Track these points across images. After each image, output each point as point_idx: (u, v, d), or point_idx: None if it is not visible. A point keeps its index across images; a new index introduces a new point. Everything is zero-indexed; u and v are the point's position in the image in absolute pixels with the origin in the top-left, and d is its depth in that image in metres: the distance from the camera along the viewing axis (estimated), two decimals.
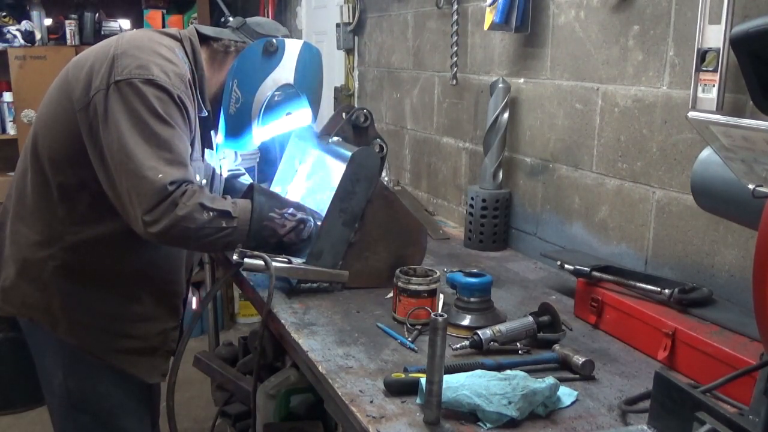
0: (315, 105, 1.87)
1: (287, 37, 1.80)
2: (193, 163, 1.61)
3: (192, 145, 1.61)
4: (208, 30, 1.74)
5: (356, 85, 3.63)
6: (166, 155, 1.48)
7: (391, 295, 1.70)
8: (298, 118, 1.86)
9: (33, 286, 1.64)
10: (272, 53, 1.73)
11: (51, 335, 1.66)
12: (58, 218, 1.60)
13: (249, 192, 1.70)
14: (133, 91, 1.48)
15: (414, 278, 1.62)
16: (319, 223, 1.72)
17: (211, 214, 1.52)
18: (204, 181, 1.75)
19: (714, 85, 1.54)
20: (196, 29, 1.72)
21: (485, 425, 1.17)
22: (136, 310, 1.69)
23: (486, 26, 2.25)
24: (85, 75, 1.54)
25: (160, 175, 1.45)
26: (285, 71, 1.74)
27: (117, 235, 1.60)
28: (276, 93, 1.75)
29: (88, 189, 1.58)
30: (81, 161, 1.55)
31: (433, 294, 1.64)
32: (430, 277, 1.64)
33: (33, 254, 1.63)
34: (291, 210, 1.68)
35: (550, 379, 1.23)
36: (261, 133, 1.79)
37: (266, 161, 2.70)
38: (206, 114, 1.69)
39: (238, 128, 1.74)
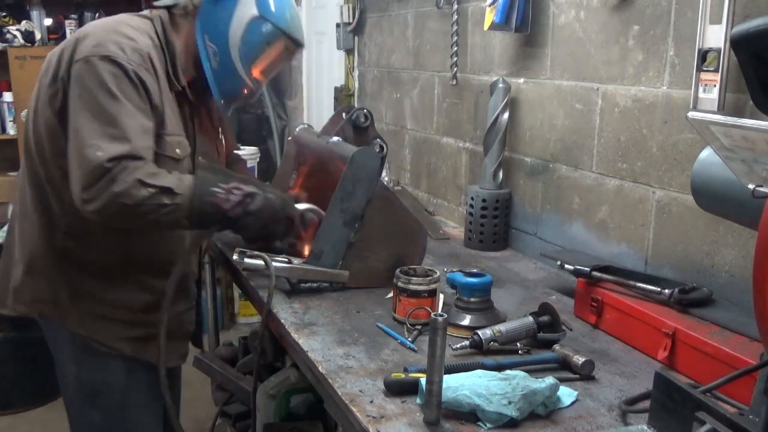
0: (293, 27, 1.77)
1: None
2: (168, 137, 1.59)
3: (162, 119, 1.58)
4: (166, 1, 1.71)
5: (356, 85, 3.63)
6: (111, 131, 1.45)
7: (391, 295, 1.70)
8: (279, 46, 1.77)
9: (40, 281, 1.64)
10: None
11: (62, 329, 1.66)
12: (54, 211, 1.60)
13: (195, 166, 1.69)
14: (88, 68, 1.48)
15: (414, 278, 1.62)
16: (271, 196, 1.63)
17: (150, 190, 1.46)
18: (185, 157, 1.68)
19: (715, 85, 1.54)
20: (164, 7, 1.71)
21: (485, 425, 1.17)
22: (146, 298, 1.67)
23: (486, 26, 2.25)
24: (54, 63, 1.55)
25: (99, 153, 1.43)
26: (247, 6, 1.68)
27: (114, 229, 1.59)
28: (247, 30, 1.69)
29: None
30: (62, 152, 1.54)
31: (433, 294, 1.64)
32: (430, 277, 1.64)
33: (37, 249, 1.63)
34: (237, 184, 1.59)
35: (550, 379, 1.23)
36: (252, 76, 1.74)
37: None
38: (180, 89, 1.66)
39: (228, 80, 1.71)
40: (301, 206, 1.80)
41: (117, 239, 1.62)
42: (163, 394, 1.62)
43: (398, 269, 1.66)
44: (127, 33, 1.55)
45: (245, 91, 1.77)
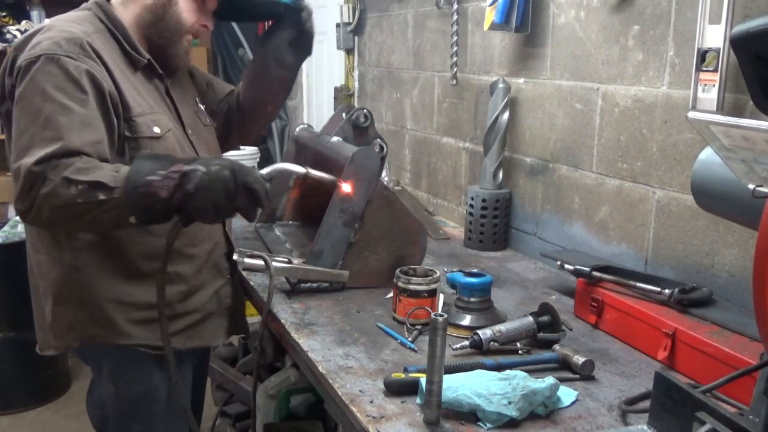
0: None
1: None
2: (139, 118, 1.52)
3: (124, 102, 1.50)
4: None
5: (356, 85, 3.63)
6: (44, 134, 1.36)
7: (391, 295, 1.70)
8: None
9: (72, 307, 1.55)
10: None
11: (103, 348, 1.58)
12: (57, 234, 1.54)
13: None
14: (25, 77, 1.40)
15: (414, 278, 1.62)
16: (215, 168, 1.37)
17: (79, 187, 1.31)
18: (167, 130, 1.60)
19: (714, 85, 1.54)
20: None
21: (485, 425, 1.17)
22: (179, 288, 1.61)
23: (486, 26, 2.25)
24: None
25: (25, 159, 1.33)
26: None
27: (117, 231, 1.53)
28: None
29: None
30: None
31: (433, 294, 1.64)
32: (430, 277, 1.64)
33: (57, 276, 1.55)
34: (180, 166, 1.37)
35: (550, 379, 1.23)
36: None
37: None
38: (146, 61, 1.60)
39: None
40: (267, 169, 1.58)
41: (127, 239, 1.54)
42: (173, 375, 1.53)
43: (398, 269, 1.66)
44: (62, 27, 1.48)
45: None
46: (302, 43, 1.90)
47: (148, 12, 1.61)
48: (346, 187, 1.73)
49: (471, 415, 1.18)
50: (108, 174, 1.35)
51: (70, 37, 1.45)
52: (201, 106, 1.86)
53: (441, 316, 1.15)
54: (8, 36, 3.96)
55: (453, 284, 1.69)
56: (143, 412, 1.64)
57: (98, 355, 1.63)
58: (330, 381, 1.33)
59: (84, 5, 1.64)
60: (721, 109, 1.54)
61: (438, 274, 1.68)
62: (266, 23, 1.99)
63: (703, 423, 0.95)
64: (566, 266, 1.75)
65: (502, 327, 1.46)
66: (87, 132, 1.39)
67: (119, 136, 1.50)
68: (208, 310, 1.68)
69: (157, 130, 1.56)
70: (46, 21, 1.60)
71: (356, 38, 3.56)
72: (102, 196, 1.33)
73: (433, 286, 1.64)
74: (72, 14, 1.58)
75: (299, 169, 1.69)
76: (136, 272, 1.57)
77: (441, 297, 1.77)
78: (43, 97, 1.38)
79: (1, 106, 1.51)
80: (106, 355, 1.61)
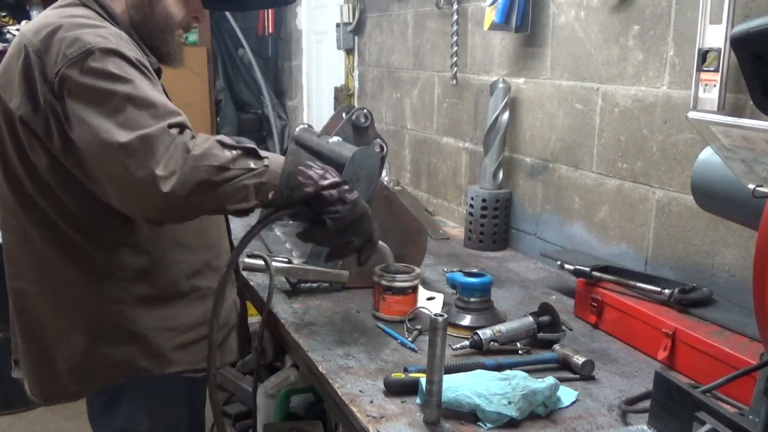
0: None
1: None
2: None
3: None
4: None
5: (356, 85, 3.63)
6: (150, 111, 1.21)
7: None
8: None
9: (117, 342, 1.40)
10: None
11: (135, 384, 1.44)
12: (96, 259, 1.38)
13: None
14: (78, 71, 1.22)
15: (399, 275, 1.64)
16: (356, 197, 1.32)
17: (234, 152, 1.22)
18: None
19: (715, 85, 1.54)
20: None
21: (485, 425, 1.17)
22: (209, 305, 1.42)
23: (486, 26, 2.25)
24: (18, 86, 1.28)
25: (153, 125, 1.18)
26: None
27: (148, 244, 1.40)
28: None
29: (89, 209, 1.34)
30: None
31: (415, 290, 1.66)
32: (413, 273, 1.66)
33: (95, 308, 1.39)
34: (331, 169, 1.34)
35: (550, 379, 1.23)
36: None
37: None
38: (158, 66, 1.48)
39: None
40: None
41: (167, 260, 1.44)
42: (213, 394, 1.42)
43: (377, 268, 1.66)
44: (88, 23, 1.30)
45: None
46: None
47: (135, 10, 1.45)
48: None
49: (471, 415, 1.18)
50: (250, 143, 1.29)
51: (112, 32, 1.29)
52: None
53: (441, 316, 1.15)
54: (8, 36, 3.96)
55: (453, 284, 1.69)
56: None
57: (129, 388, 1.46)
58: (330, 381, 1.33)
59: (69, 1, 1.42)
60: (721, 109, 1.54)
61: (417, 270, 1.68)
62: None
63: (703, 423, 0.95)
64: (566, 266, 1.75)
65: (502, 327, 1.46)
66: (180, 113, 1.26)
67: None
68: (231, 323, 1.59)
69: None
70: (43, 18, 1.36)
71: (356, 38, 3.56)
72: (252, 164, 1.23)
73: (416, 281, 1.65)
74: (71, 10, 1.36)
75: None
76: (176, 293, 1.46)
77: (441, 297, 1.78)
78: (119, 81, 1.21)
79: (30, 117, 1.29)
80: (141, 388, 1.46)
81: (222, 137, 1.24)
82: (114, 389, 1.45)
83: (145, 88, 1.24)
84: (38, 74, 1.26)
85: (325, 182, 1.30)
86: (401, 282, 1.62)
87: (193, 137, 1.21)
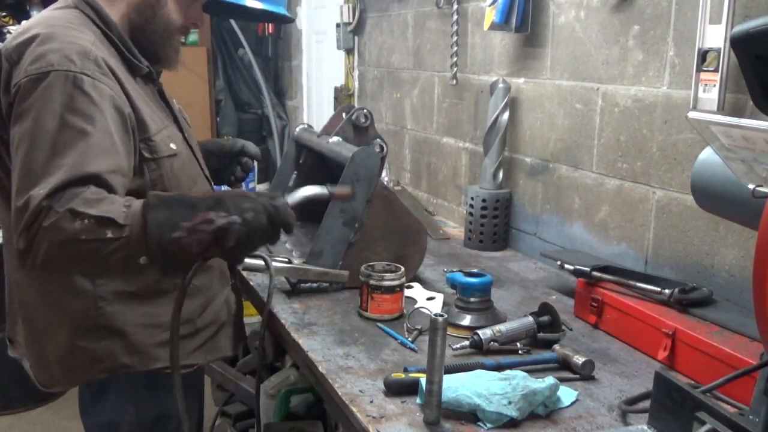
0: None
1: None
2: (157, 137, 1.39)
3: (142, 119, 1.37)
4: None
5: (356, 85, 3.63)
6: (60, 161, 1.19)
7: None
8: None
9: (99, 338, 1.41)
10: None
11: (120, 377, 1.46)
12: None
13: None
14: (31, 94, 1.23)
15: (387, 274, 1.64)
16: (250, 216, 1.26)
17: (85, 221, 1.15)
18: (175, 148, 1.47)
19: (715, 85, 1.54)
20: None
21: (485, 425, 1.17)
22: (200, 301, 1.53)
23: (486, 26, 2.25)
24: None
25: (39, 189, 1.16)
26: None
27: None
28: None
29: None
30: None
31: (402, 288, 1.66)
32: (400, 271, 1.66)
33: (79, 304, 1.40)
34: (204, 216, 1.23)
35: (550, 379, 1.23)
36: None
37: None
38: (147, 70, 1.47)
39: None
40: (296, 199, 1.52)
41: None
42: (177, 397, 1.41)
43: (363, 267, 1.67)
44: (64, 36, 1.30)
45: None
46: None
47: (136, 13, 1.45)
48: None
49: (471, 415, 1.18)
50: (119, 209, 1.19)
51: (80, 50, 1.28)
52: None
53: (441, 316, 1.15)
54: (8, 36, 3.96)
55: (453, 284, 1.69)
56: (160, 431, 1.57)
57: (116, 381, 1.49)
58: (330, 381, 1.33)
59: (64, 2, 1.45)
60: (721, 109, 1.54)
61: (403, 269, 1.69)
62: (266, 26, 2.00)
63: (703, 423, 0.95)
64: (566, 266, 1.75)
65: (502, 327, 1.46)
66: (105, 159, 1.24)
67: (140, 160, 1.36)
68: (221, 320, 1.61)
69: (173, 146, 1.44)
70: (31, 21, 1.39)
71: (356, 38, 3.56)
72: (110, 234, 1.17)
73: (403, 279, 1.66)
74: (60, 14, 1.38)
75: (324, 191, 1.61)
76: (159, 291, 1.46)
77: (441, 297, 1.78)
78: (58, 120, 1.22)
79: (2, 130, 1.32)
80: (128, 381, 1.48)
81: (81, 202, 1.17)
82: (102, 381, 1.47)
83: (72, 134, 1.22)
84: (3, 81, 1.29)
85: (201, 247, 1.23)
86: (390, 281, 1.63)
87: (60, 199, 1.16)
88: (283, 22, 1.86)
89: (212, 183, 1.66)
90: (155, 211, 1.21)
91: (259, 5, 1.65)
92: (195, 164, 1.57)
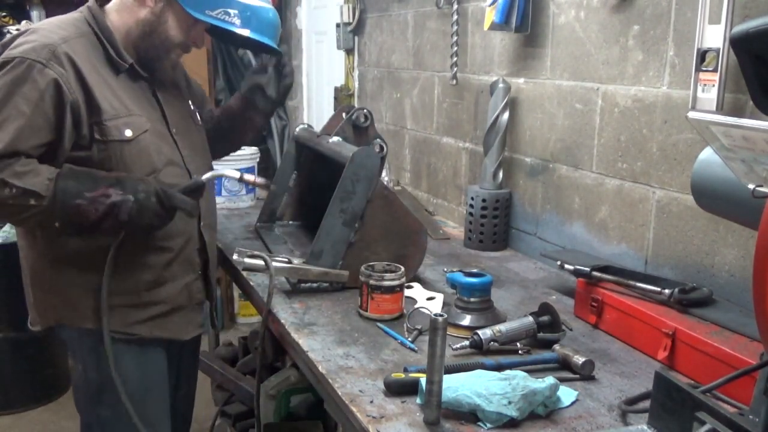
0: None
1: None
2: (110, 122, 1.57)
3: (96, 105, 1.56)
4: None
5: (356, 85, 3.63)
6: None
7: None
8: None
9: (45, 291, 1.68)
10: None
11: (74, 330, 1.69)
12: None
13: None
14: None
15: (386, 274, 1.64)
16: (142, 196, 1.55)
17: (13, 191, 1.45)
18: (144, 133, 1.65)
19: (714, 85, 1.54)
20: None
21: (485, 425, 1.17)
22: (147, 277, 1.69)
23: (486, 26, 2.25)
24: None
25: None
26: None
27: None
28: None
29: None
30: None
31: (402, 288, 1.66)
32: (400, 271, 1.66)
33: (32, 261, 1.68)
34: (104, 190, 1.53)
35: (550, 379, 1.23)
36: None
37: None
38: (128, 66, 1.65)
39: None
40: (207, 175, 1.71)
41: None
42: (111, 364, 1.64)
43: (363, 267, 1.67)
44: (44, 31, 1.56)
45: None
46: (278, 91, 2.02)
47: (138, 26, 1.66)
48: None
49: (471, 415, 1.18)
50: (42, 182, 1.48)
51: (46, 42, 1.52)
52: (194, 108, 1.91)
53: (441, 316, 1.15)
54: (8, 36, 3.96)
55: (453, 284, 1.69)
56: (109, 396, 1.68)
57: (71, 337, 1.72)
58: (330, 381, 1.33)
59: (80, 9, 1.70)
60: (721, 109, 1.54)
61: (403, 269, 1.69)
62: (260, 57, 2.07)
63: (703, 423, 0.95)
64: (566, 266, 1.75)
65: (502, 327, 1.46)
66: (35, 137, 1.49)
67: (90, 140, 1.56)
68: (178, 303, 1.75)
69: (128, 133, 1.61)
70: (38, 23, 1.69)
71: (356, 38, 3.56)
72: (33, 202, 1.47)
73: (403, 279, 1.66)
74: (63, 17, 1.66)
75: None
76: (94, 259, 1.62)
77: (441, 297, 1.78)
78: (5, 97, 1.48)
79: None
80: (76, 337, 1.70)
81: (10, 174, 1.45)
82: (62, 335, 1.73)
83: (12, 111, 1.47)
84: None
85: (96, 215, 1.53)
86: (389, 281, 1.62)
87: None
88: (272, 54, 1.92)
89: (192, 176, 1.76)
90: (64, 180, 1.50)
91: (246, 33, 1.72)
92: (164, 156, 1.69)
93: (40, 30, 1.58)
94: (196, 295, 1.80)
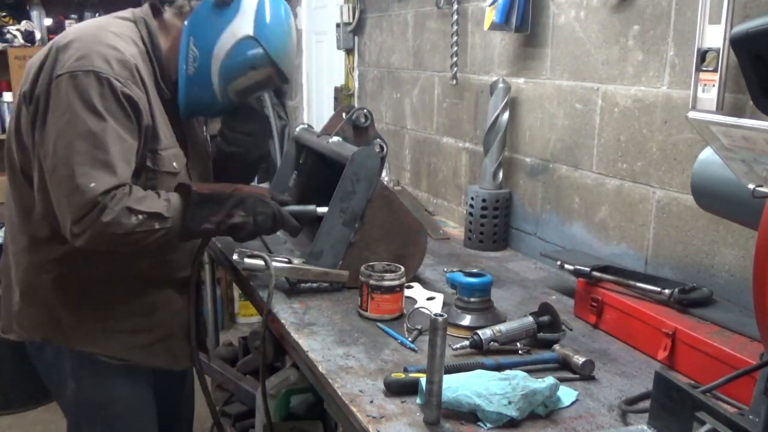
0: (283, 60, 1.67)
1: None
2: (164, 152, 1.55)
3: (156, 134, 1.53)
4: None
5: (356, 85, 3.63)
6: (100, 156, 1.40)
7: None
8: (263, 74, 1.67)
9: (38, 307, 1.60)
10: (227, 4, 1.58)
11: (62, 349, 1.61)
12: (44, 235, 1.54)
13: (180, 189, 1.59)
14: (72, 84, 1.39)
15: (387, 274, 1.64)
16: (261, 219, 1.62)
17: (140, 217, 1.43)
18: (179, 168, 1.63)
19: (714, 85, 1.54)
20: (150, 4, 1.61)
21: (485, 425, 1.17)
22: (147, 303, 1.64)
23: (486, 26, 2.25)
24: (33, 74, 1.47)
25: (92, 184, 1.38)
26: (244, 23, 1.58)
27: None
28: (235, 47, 1.59)
29: None
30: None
31: (402, 288, 1.66)
32: (400, 271, 1.66)
33: (30, 276, 1.59)
34: (228, 212, 1.58)
35: (550, 379, 1.23)
36: (225, 93, 1.65)
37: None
38: (169, 97, 1.60)
39: (199, 89, 1.61)
40: (297, 208, 1.76)
41: (110, 259, 1.56)
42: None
43: (363, 267, 1.67)
44: (111, 43, 1.47)
45: (213, 107, 1.69)
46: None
47: (168, 46, 1.60)
48: None
49: (471, 415, 1.18)
50: (162, 204, 1.48)
51: (121, 58, 1.45)
52: (206, 134, 1.88)
53: (441, 316, 1.15)
54: (8, 36, 3.96)
55: (453, 284, 1.69)
56: (104, 413, 1.65)
57: (60, 354, 1.63)
58: (330, 381, 1.33)
59: (129, 12, 1.61)
60: (721, 109, 1.54)
61: (403, 269, 1.69)
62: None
63: (703, 423, 0.95)
64: (566, 266, 1.75)
65: (502, 327, 1.46)
66: (130, 163, 1.46)
67: (140, 167, 1.52)
68: (169, 332, 1.69)
69: (176, 165, 1.59)
70: (86, 23, 1.61)
71: (356, 38, 3.56)
72: (157, 225, 1.46)
73: (403, 279, 1.66)
74: (118, 24, 1.55)
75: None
76: (111, 285, 1.58)
77: (441, 297, 1.78)
78: (96, 116, 1.40)
79: (31, 102, 1.46)
80: (68, 354, 1.62)
81: (132, 201, 1.43)
82: (37, 349, 1.66)
83: (109, 130, 1.41)
84: (49, 64, 1.44)
85: (217, 233, 1.61)
86: (390, 281, 1.62)
87: (113, 198, 1.40)
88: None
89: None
90: (195, 209, 1.53)
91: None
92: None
93: (103, 38, 1.47)
94: (185, 322, 1.73)
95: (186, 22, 1.58)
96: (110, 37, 1.48)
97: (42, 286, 1.57)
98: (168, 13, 1.62)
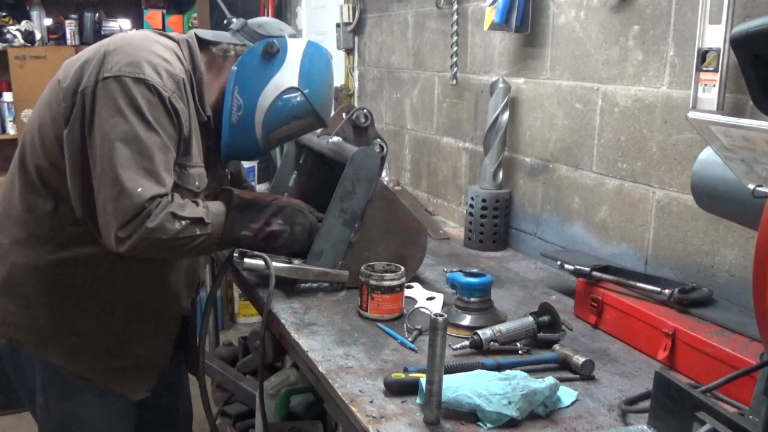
0: (324, 108, 1.74)
1: (292, 36, 1.70)
2: (192, 169, 1.55)
3: (188, 150, 1.54)
4: (207, 34, 1.66)
5: (356, 85, 3.63)
6: (146, 164, 1.41)
7: None
8: (306, 123, 1.74)
9: (16, 303, 1.54)
10: (273, 55, 1.63)
11: (33, 356, 1.57)
12: (45, 233, 1.51)
13: (222, 194, 1.64)
14: (121, 88, 1.40)
15: (387, 274, 1.64)
16: (298, 229, 1.68)
17: (183, 222, 1.45)
18: (201, 188, 1.63)
19: (714, 85, 1.54)
20: (195, 33, 1.64)
21: (485, 425, 1.17)
22: (129, 328, 1.61)
23: (486, 26, 2.25)
24: (75, 71, 1.46)
25: (139, 189, 1.39)
26: (288, 74, 1.64)
27: (108, 256, 1.49)
28: (280, 98, 1.65)
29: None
30: (61, 167, 1.47)
31: (402, 288, 1.66)
32: (400, 271, 1.66)
33: (17, 267, 1.54)
34: (267, 220, 1.63)
35: (550, 379, 1.23)
36: (267, 141, 1.69)
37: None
38: (206, 119, 1.61)
39: (241, 138, 1.65)
40: None
41: (108, 274, 1.54)
42: None
43: (363, 267, 1.67)
44: (161, 54, 1.48)
45: (253, 152, 1.73)
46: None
47: (219, 93, 1.63)
48: None
49: (471, 415, 1.18)
50: (202, 210, 1.51)
51: (170, 71, 1.47)
52: (227, 171, 1.88)
53: (441, 316, 1.15)
54: (8, 36, 3.96)
55: (453, 284, 1.69)
56: (74, 430, 1.61)
57: (32, 363, 1.59)
58: (330, 381, 1.33)
59: (174, 34, 1.63)
60: (721, 109, 1.54)
61: (403, 269, 1.69)
62: None
63: (703, 423, 0.95)
64: (566, 266, 1.75)
65: (502, 327, 1.46)
66: (171, 173, 1.48)
67: None
68: (141, 363, 1.66)
69: (198, 184, 1.59)
70: (132, 32, 1.67)
71: (356, 38, 3.56)
72: (198, 231, 1.49)
73: (403, 279, 1.66)
74: (163, 39, 1.56)
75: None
76: (99, 302, 1.56)
77: (441, 297, 1.78)
78: (144, 123, 1.41)
79: (71, 97, 1.45)
80: (39, 366, 1.58)
81: (176, 207, 1.45)
82: (10, 349, 1.59)
83: (156, 140, 1.42)
84: (95, 66, 1.44)
85: (255, 241, 1.63)
86: (390, 281, 1.62)
87: (158, 205, 1.41)
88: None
89: None
90: (234, 212, 1.57)
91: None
92: None
93: (152, 49, 1.48)
94: (161, 358, 1.71)
95: (233, 70, 1.61)
96: (160, 49, 1.50)
97: (30, 281, 1.53)
98: (214, 49, 1.65)
